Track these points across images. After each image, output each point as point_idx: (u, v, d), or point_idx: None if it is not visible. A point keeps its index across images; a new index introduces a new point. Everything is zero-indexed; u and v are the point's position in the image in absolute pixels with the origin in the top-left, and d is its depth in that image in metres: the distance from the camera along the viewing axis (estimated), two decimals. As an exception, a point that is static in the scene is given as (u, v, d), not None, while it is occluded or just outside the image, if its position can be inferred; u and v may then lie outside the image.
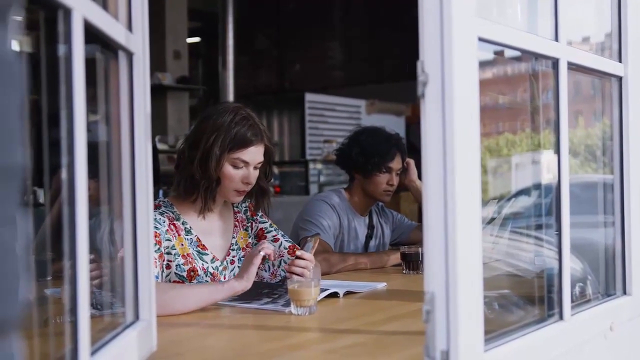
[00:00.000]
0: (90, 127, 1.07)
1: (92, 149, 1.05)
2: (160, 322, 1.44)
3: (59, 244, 1.02)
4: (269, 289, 2.10)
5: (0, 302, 0.53)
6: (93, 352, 1.06)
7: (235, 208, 2.36)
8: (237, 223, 2.34)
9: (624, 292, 1.77)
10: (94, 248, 1.12)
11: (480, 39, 1.23)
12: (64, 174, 0.97)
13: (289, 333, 1.69)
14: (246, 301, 1.96)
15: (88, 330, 0.99)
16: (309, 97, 8.13)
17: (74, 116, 0.97)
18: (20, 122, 0.56)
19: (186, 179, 2.17)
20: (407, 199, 6.61)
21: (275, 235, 2.35)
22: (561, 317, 1.49)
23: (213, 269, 2.20)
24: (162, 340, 1.43)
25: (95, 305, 1.28)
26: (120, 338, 1.22)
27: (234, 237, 2.31)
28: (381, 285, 2.30)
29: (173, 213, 2.18)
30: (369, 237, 3.08)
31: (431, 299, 1.16)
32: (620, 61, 1.77)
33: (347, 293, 2.14)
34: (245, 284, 1.90)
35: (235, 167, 2.16)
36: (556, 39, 1.49)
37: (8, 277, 0.53)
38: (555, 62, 1.49)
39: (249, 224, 2.37)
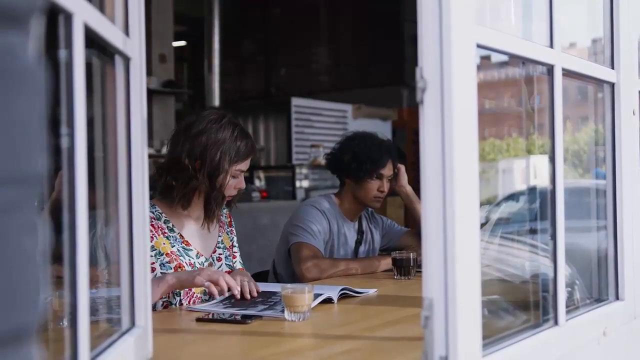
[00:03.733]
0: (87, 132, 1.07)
1: (88, 153, 1.04)
2: (156, 329, 1.43)
3: (52, 250, 1.01)
4: (263, 297, 2.09)
5: (21, 309, 0.53)
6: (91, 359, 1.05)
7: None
8: (221, 224, 2.42)
9: (617, 298, 1.79)
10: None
11: (479, 45, 1.23)
12: (64, 179, 0.96)
13: (283, 339, 1.69)
14: (242, 308, 1.95)
15: (88, 337, 0.98)
16: (295, 101, 8.12)
17: (74, 122, 0.96)
18: (41, 130, 0.56)
19: (191, 192, 2.22)
20: (394, 204, 6.62)
21: (236, 253, 2.45)
22: (556, 323, 1.49)
23: (199, 264, 2.26)
24: (158, 346, 1.42)
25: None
26: (117, 345, 1.21)
27: (219, 236, 2.39)
28: (372, 291, 2.30)
29: (153, 213, 2.20)
30: (358, 242, 3.07)
31: (430, 305, 1.16)
32: (612, 68, 1.78)
33: (342, 294, 2.15)
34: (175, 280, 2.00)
35: (234, 177, 2.27)
36: (551, 46, 1.49)
37: (29, 285, 0.53)
38: (550, 69, 1.50)
39: (229, 230, 2.47)
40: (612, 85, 1.79)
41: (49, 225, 0.99)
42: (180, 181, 2.20)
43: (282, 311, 1.87)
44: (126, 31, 1.31)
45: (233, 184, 2.26)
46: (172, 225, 2.24)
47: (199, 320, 1.84)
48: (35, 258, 0.54)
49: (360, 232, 3.09)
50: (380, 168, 2.92)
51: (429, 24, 1.16)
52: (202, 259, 2.27)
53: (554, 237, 1.50)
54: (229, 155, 2.22)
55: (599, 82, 1.80)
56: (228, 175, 2.23)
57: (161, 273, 2.15)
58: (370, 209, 3.14)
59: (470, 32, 1.20)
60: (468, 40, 1.19)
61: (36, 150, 0.54)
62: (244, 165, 2.28)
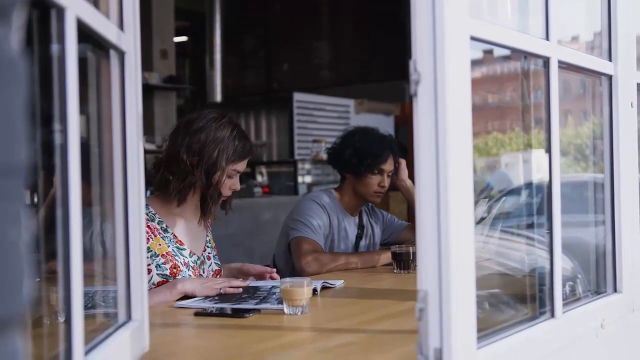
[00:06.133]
0: (81, 127, 1.07)
1: (83, 149, 1.04)
2: (152, 323, 1.44)
3: (48, 245, 1.02)
4: (247, 294, 2.08)
5: (5, 299, 0.53)
6: (86, 352, 1.05)
7: None
8: (209, 224, 2.44)
9: (615, 290, 1.79)
10: (84, 249, 1.12)
11: (473, 38, 1.23)
12: (57, 176, 0.97)
13: (281, 333, 1.69)
14: (234, 303, 1.94)
15: (82, 330, 0.99)
16: (298, 96, 8.11)
17: (67, 117, 0.97)
18: (24, 121, 0.56)
19: (187, 188, 2.23)
20: (396, 199, 6.62)
21: (213, 253, 2.44)
22: (553, 315, 1.50)
23: (193, 262, 2.28)
24: (154, 340, 1.42)
25: (86, 305, 1.27)
26: (113, 338, 1.21)
27: (207, 236, 2.42)
28: (340, 283, 2.31)
29: (147, 214, 2.21)
30: (359, 237, 3.07)
31: (424, 297, 1.16)
32: (610, 60, 1.78)
33: (323, 288, 2.18)
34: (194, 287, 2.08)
35: (230, 177, 2.27)
36: (547, 38, 1.49)
37: (13, 274, 0.53)
38: (546, 61, 1.50)
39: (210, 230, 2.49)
40: (610, 77, 1.79)
41: (49, 223, 0.99)
42: (177, 177, 2.21)
43: (279, 303, 1.87)
44: (121, 25, 1.32)
45: (228, 184, 2.27)
46: (166, 226, 2.26)
47: (196, 314, 1.85)
48: (19, 248, 0.55)
49: (360, 226, 3.09)
50: (381, 163, 2.92)
51: (423, 17, 1.16)
52: (195, 257, 2.29)
53: (550, 229, 1.50)
54: (227, 153, 2.23)
55: (596, 75, 1.80)
56: (225, 173, 2.24)
57: (157, 274, 2.16)
58: (370, 204, 3.14)
59: (464, 25, 1.20)
60: (462, 32, 1.19)
61: (19, 141, 0.55)
62: (241, 166, 2.29)
